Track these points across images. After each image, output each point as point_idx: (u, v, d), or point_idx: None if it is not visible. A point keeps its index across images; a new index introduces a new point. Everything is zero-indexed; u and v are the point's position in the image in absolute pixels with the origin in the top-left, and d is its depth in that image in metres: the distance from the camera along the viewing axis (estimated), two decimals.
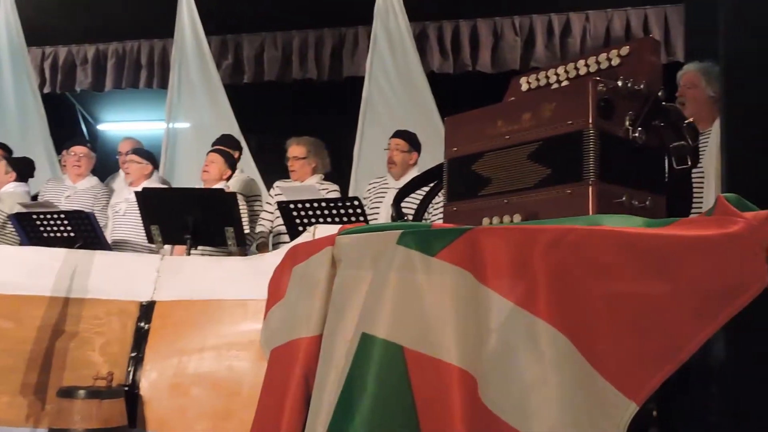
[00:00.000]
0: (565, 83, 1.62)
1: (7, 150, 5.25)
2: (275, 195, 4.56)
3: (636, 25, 6.29)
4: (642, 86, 1.44)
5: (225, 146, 4.86)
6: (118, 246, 4.46)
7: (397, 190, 1.74)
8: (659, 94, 1.47)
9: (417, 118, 5.30)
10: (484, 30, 6.53)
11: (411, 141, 4.50)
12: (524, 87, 1.72)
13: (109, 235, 4.49)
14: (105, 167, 5.85)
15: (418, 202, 1.82)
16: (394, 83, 5.70)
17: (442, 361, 1.13)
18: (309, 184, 4.46)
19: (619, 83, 1.42)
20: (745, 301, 1.08)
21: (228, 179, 4.62)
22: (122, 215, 4.57)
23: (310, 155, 4.57)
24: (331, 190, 4.55)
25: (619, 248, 1.09)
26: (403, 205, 1.75)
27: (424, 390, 1.13)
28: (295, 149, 4.62)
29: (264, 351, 1.48)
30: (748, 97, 2.67)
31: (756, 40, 2.64)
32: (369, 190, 4.57)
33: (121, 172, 5.40)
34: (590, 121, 1.38)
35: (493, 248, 1.12)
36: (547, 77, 1.67)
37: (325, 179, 4.70)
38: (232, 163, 4.62)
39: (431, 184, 1.76)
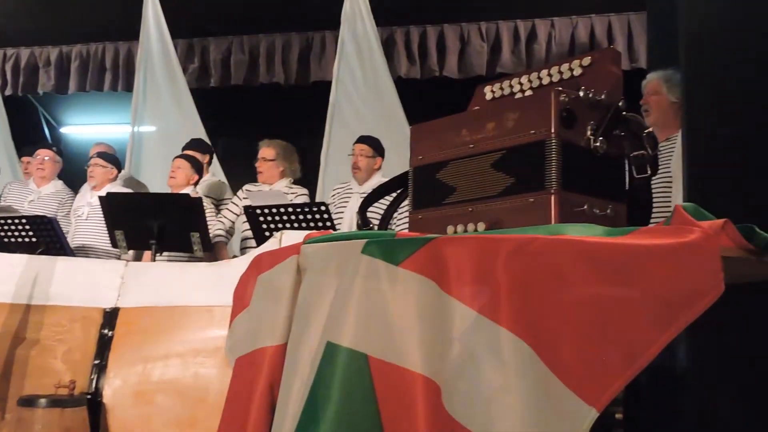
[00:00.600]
0: (528, 93, 1.64)
1: None
2: (242, 198, 4.54)
3: (600, 31, 6.39)
4: (603, 96, 1.47)
5: (196, 150, 4.83)
6: (81, 251, 4.40)
7: (363, 198, 1.75)
8: (620, 104, 1.50)
9: (384, 123, 5.32)
10: (450, 35, 6.58)
11: (375, 146, 4.53)
12: (488, 96, 1.74)
13: (72, 240, 4.43)
14: (70, 171, 5.77)
15: (383, 209, 1.83)
16: (361, 88, 5.71)
17: (406, 370, 1.14)
18: (277, 189, 4.44)
19: (581, 93, 1.44)
20: (702, 308, 1.11)
21: (195, 184, 4.59)
22: (85, 219, 4.51)
23: (278, 158, 4.56)
24: (300, 195, 4.54)
25: (580, 257, 1.10)
26: (368, 212, 1.75)
27: (389, 398, 1.14)
28: (265, 151, 4.61)
29: (229, 360, 1.48)
30: (708, 102, 2.73)
31: (715, 46, 2.71)
32: (333, 195, 4.58)
33: None
34: (552, 130, 1.40)
35: (456, 257, 1.13)
36: (511, 86, 1.69)
37: (295, 184, 4.69)
38: (198, 168, 4.59)
39: (397, 192, 1.77)
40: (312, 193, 5.02)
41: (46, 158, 4.85)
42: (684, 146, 2.79)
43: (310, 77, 6.70)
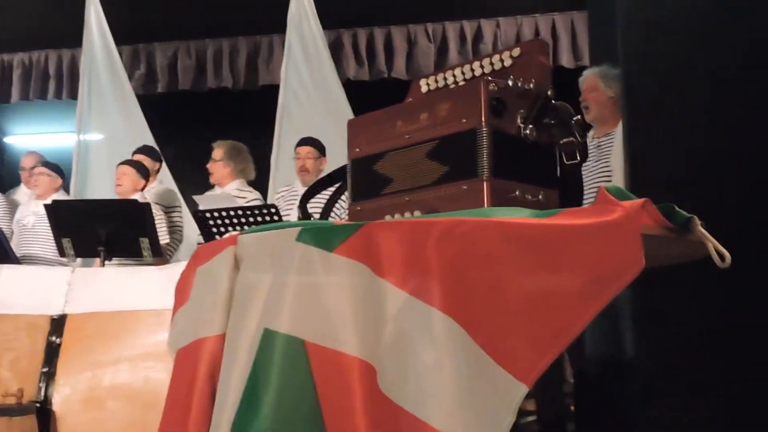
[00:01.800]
0: (462, 84, 1.69)
1: None
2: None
3: (545, 30, 6.52)
4: (532, 85, 1.52)
5: (147, 156, 4.78)
6: (28, 261, 4.33)
7: (303, 192, 1.77)
8: (549, 92, 1.55)
9: (333, 125, 5.34)
10: (398, 37, 6.65)
11: (319, 147, 4.56)
12: (424, 88, 1.78)
13: (18, 250, 4.34)
14: (13, 181, 5.67)
15: (324, 203, 1.85)
16: (310, 91, 5.73)
17: (342, 353, 1.17)
18: (225, 191, 4.43)
19: (510, 83, 1.48)
20: (625, 283, 1.15)
21: (143, 189, 4.54)
22: (30, 228, 4.44)
23: (225, 158, 4.55)
24: (251, 199, 4.53)
25: (507, 238, 1.15)
26: (310, 206, 1.78)
27: (326, 382, 1.16)
28: (214, 152, 4.60)
29: (170, 354, 1.48)
30: (646, 96, 2.82)
31: (651, 41, 2.80)
32: (278, 198, 4.58)
33: (22, 186, 5.24)
34: (483, 119, 1.44)
35: (388, 241, 1.16)
36: (445, 78, 1.73)
37: (249, 185, 4.68)
38: (145, 173, 4.55)
39: (336, 185, 1.79)
40: (264, 196, 5.02)
41: None
42: (624, 139, 2.88)
43: (258, 81, 6.70)
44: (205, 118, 6.68)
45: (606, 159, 3.39)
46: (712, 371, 2.44)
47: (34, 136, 7.85)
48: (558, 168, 1.58)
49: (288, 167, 5.40)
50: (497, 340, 1.12)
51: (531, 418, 3.39)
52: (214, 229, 3.88)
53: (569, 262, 1.15)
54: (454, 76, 1.71)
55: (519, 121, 1.50)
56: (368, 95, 6.26)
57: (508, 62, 1.62)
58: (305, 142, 4.59)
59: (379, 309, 1.14)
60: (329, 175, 1.80)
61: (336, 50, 6.42)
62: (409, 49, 6.65)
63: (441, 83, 1.74)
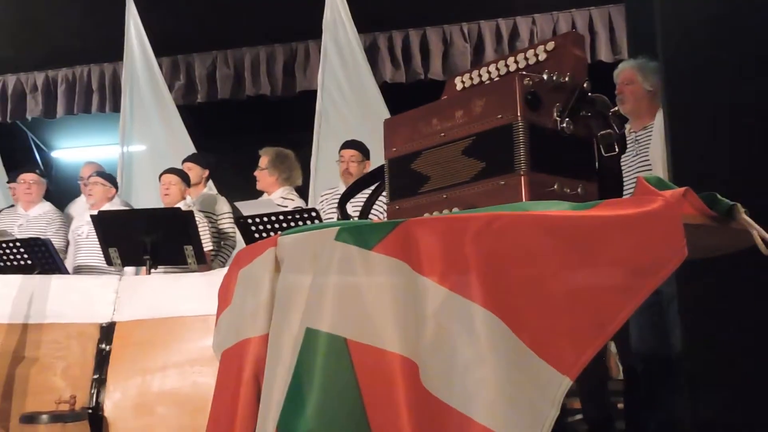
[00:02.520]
0: (497, 80, 1.68)
1: None
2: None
3: (581, 25, 6.44)
4: (567, 78, 1.50)
5: (196, 163, 4.86)
6: (84, 270, 4.43)
7: (342, 194, 1.79)
8: (584, 85, 1.53)
9: (371, 129, 5.34)
10: (433, 38, 6.64)
11: (363, 150, 4.56)
12: (459, 86, 1.77)
13: (73, 260, 4.45)
14: (63, 194, 5.81)
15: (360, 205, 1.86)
16: (347, 95, 5.76)
17: (384, 351, 1.17)
18: (271, 198, 4.47)
19: (545, 76, 1.48)
20: (666, 274, 1.14)
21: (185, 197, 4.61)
22: (85, 238, 4.55)
23: (269, 166, 4.57)
24: (295, 207, 4.56)
25: (544, 231, 1.14)
26: (349, 207, 1.79)
27: (369, 379, 1.17)
28: (261, 160, 4.63)
29: (216, 356, 1.51)
30: (686, 88, 2.78)
31: (691, 33, 2.76)
32: (321, 201, 4.60)
33: (81, 197, 5.38)
34: (518, 114, 1.44)
35: (426, 238, 1.17)
36: (480, 75, 1.73)
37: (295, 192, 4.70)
38: (187, 180, 4.62)
39: (374, 186, 1.80)
40: (305, 202, 5.05)
41: (32, 182, 4.89)
42: (666, 131, 2.84)
43: (296, 87, 6.75)
44: (245, 126, 6.77)
45: (645, 153, 3.33)
46: (763, 365, 2.39)
47: (80, 149, 8.05)
48: (596, 161, 1.57)
49: (328, 171, 5.43)
50: (539, 334, 1.11)
51: (577, 417, 3.36)
52: (257, 235, 3.93)
53: (610, 253, 1.14)
54: (488, 72, 1.71)
55: (555, 114, 1.49)
56: (405, 97, 6.29)
57: (542, 56, 1.61)
58: (349, 145, 4.60)
59: (420, 306, 1.15)
60: (367, 175, 1.81)
61: (372, 53, 6.44)
62: (445, 49, 6.63)
63: (476, 80, 1.73)
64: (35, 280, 3.23)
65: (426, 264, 1.15)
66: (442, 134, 1.57)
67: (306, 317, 1.20)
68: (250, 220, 3.90)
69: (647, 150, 3.33)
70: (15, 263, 3.95)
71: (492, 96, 1.50)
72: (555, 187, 1.46)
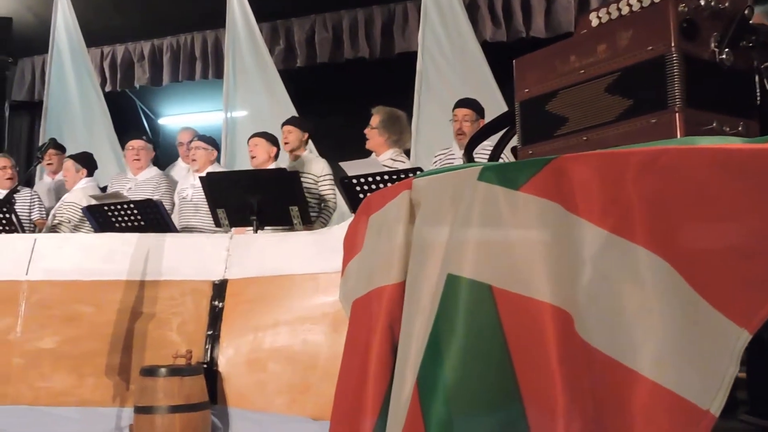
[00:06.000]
0: (646, 7, 1.53)
1: (62, 149, 5.40)
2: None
3: None
4: (727, 4, 1.35)
5: (296, 126, 4.84)
6: (189, 232, 4.52)
7: (468, 138, 1.69)
8: (746, 11, 1.37)
9: (474, 89, 5.20)
10: None
11: (477, 109, 4.40)
12: (595, 22, 1.63)
13: (178, 223, 4.55)
14: (170, 159, 5.95)
15: (488, 153, 1.76)
16: (448, 55, 5.62)
17: (533, 299, 1.08)
18: (374, 159, 4.39)
19: (702, 2, 1.33)
20: None
21: (276, 156, 4.60)
22: (189, 201, 4.63)
23: (380, 126, 4.47)
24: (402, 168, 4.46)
25: (720, 166, 1.01)
26: (475, 155, 1.69)
27: (516, 329, 1.08)
28: (372, 119, 4.53)
29: (343, 307, 1.45)
30: None
31: None
32: (435, 162, 4.48)
33: (180, 162, 5.48)
34: (672, 44, 1.30)
35: (581, 175, 1.06)
36: (619, 9, 1.57)
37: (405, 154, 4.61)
38: (274, 141, 4.61)
39: (503, 131, 1.70)
40: None
41: (139, 148, 5.01)
42: None
43: (394, 49, 6.65)
44: (344, 89, 6.73)
45: None
46: None
47: (185, 116, 8.23)
48: (758, 96, 1.41)
49: (429, 134, 5.33)
50: (713, 282, 0.99)
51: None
52: (361, 195, 3.87)
53: None
54: (629, 5, 1.56)
55: (713, 44, 1.34)
56: (506, 57, 6.08)
57: None
58: (462, 103, 4.45)
59: (575, 250, 1.04)
60: (496, 119, 1.70)
61: (472, 12, 6.24)
62: (548, 5, 6.36)
63: (614, 15, 1.59)
64: (150, 238, 3.30)
65: (582, 204, 1.05)
66: (582, 71, 1.45)
67: (447, 263, 1.12)
68: (354, 180, 3.86)
69: None
70: (128, 224, 4.05)
71: (640, 26, 1.36)
72: (714, 125, 1.31)
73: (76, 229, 4.56)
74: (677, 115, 1.29)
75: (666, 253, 0.99)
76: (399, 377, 1.14)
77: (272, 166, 4.50)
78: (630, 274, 0.99)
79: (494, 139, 1.92)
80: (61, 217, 4.73)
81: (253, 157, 4.60)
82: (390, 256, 1.24)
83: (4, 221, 4.35)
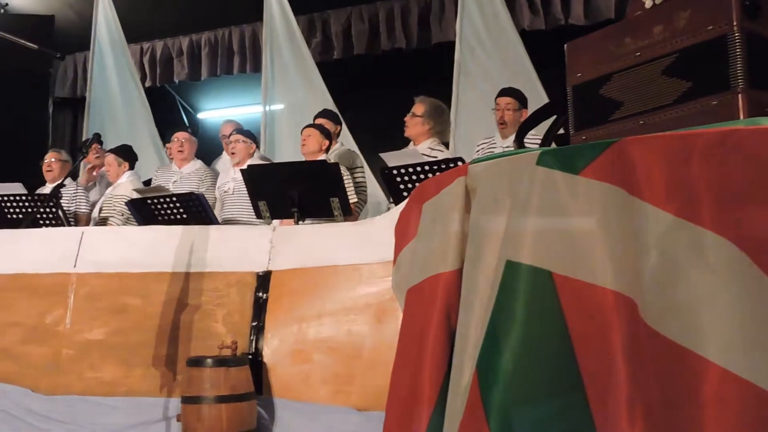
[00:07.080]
0: None
1: (101, 143, 5.48)
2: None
3: None
4: None
5: (327, 119, 4.85)
6: (229, 224, 4.55)
7: (519, 125, 1.66)
8: None
9: (513, 78, 5.14)
10: None
11: (520, 98, 4.35)
12: (648, 4, 1.59)
13: (219, 215, 4.59)
14: (208, 153, 6.00)
15: (532, 143, 1.73)
16: (487, 44, 5.57)
17: (595, 286, 1.06)
18: (413, 148, 4.37)
19: None
20: None
21: (327, 150, 4.61)
22: (231, 194, 4.66)
23: (425, 116, 4.43)
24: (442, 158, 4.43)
25: None
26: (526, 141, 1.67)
27: (578, 316, 1.06)
28: (416, 107, 4.50)
29: (397, 296, 1.44)
30: None
31: None
32: (477, 151, 4.44)
33: (224, 155, 5.53)
34: (734, 23, 1.26)
35: (644, 159, 1.03)
36: None
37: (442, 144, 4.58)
38: (327, 134, 4.62)
39: (553, 118, 1.67)
40: None
41: (184, 140, 5.05)
42: None
43: (431, 39, 6.61)
44: (381, 81, 6.72)
45: None
46: None
47: (224, 110, 8.30)
48: None
49: (468, 123, 5.29)
50: None
51: None
52: (401, 186, 3.86)
53: None
54: None
55: None
56: (545, 45, 6.00)
57: None
58: (505, 92, 4.40)
59: (639, 235, 1.02)
60: (546, 105, 1.68)
61: (509, 0, 6.18)
62: None
63: None
64: (194, 230, 3.33)
65: (646, 188, 1.02)
66: (638, 54, 1.41)
67: (505, 249, 1.10)
68: (395, 171, 3.84)
69: None
70: (171, 217, 4.10)
71: (699, 5, 1.32)
72: None
73: (127, 221, 4.63)
74: (740, 96, 1.25)
75: (734, 236, 0.97)
76: (458, 365, 1.13)
77: (322, 158, 4.51)
78: (697, 259, 0.97)
79: (539, 129, 1.89)
80: (112, 210, 4.80)
81: (303, 145, 4.61)
82: (445, 243, 1.23)
83: (51, 215, 4.43)
